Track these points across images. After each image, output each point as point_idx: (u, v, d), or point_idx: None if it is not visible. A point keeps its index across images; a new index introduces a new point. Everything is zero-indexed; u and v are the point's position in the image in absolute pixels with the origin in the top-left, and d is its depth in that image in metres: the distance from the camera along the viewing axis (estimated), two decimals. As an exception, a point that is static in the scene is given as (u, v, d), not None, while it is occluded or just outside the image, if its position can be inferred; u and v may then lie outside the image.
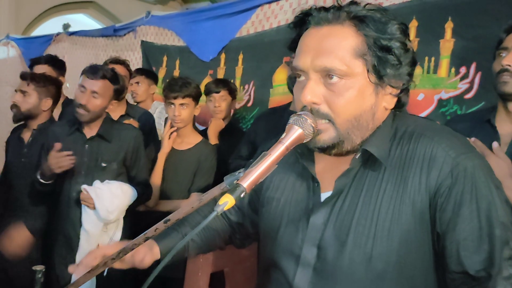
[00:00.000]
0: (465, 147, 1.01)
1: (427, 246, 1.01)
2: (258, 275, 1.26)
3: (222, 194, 0.90)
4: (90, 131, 2.47)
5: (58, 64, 3.58)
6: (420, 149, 1.01)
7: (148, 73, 3.73)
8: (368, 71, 1.01)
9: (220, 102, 2.99)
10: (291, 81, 2.25)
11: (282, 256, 1.12)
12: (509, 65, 1.63)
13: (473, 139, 1.65)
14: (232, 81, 3.69)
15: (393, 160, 1.03)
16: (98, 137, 2.46)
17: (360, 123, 1.03)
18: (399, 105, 1.09)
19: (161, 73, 4.29)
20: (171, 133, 2.66)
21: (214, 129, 2.95)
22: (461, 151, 0.99)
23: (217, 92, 2.98)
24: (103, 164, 2.43)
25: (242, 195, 0.88)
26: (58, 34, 5.68)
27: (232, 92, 3.07)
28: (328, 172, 1.10)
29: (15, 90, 2.76)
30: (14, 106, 2.71)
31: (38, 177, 2.36)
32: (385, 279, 1.00)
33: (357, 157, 1.05)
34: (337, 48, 0.99)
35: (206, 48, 3.92)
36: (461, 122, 1.84)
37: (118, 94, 2.54)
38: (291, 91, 2.28)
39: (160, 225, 1.03)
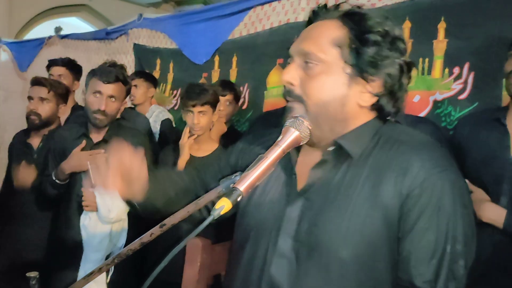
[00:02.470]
0: (443, 162, 1.02)
1: (392, 251, 1.02)
2: (229, 256, 1.28)
3: (219, 197, 0.89)
4: (97, 136, 2.44)
5: (76, 68, 3.55)
6: (399, 157, 1.03)
7: (147, 76, 3.68)
8: (345, 62, 1.04)
9: (224, 105, 2.94)
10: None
11: (260, 242, 1.13)
12: None
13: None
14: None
15: (373, 163, 1.04)
16: (103, 142, 2.42)
17: (329, 110, 1.05)
18: (384, 113, 1.09)
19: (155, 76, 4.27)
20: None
21: (217, 133, 2.87)
22: (437, 165, 1.00)
23: (223, 96, 2.92)
24: None
25: (238, 199, 0.88)
26: (50, 37, 5.65)
27: (237, 96, 3.04)
28: (306, 164, 1.12)
29: (30, 97, 2.70)
30: (33, 113, 2.67)
31: (53, 178, 2.35)
32: (352, 278, 1.01)
33: (329, 149, 1.07)
34: (319, 36, 1.06)
35: (199, 51, 3.91)
36: (469, 121, 1.87)
37: (127, 94, 2.50)
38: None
39: (156, 230, 1.03)
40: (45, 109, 2.67)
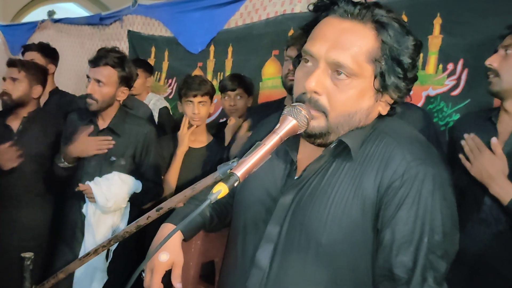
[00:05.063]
0: (425, 155, 1.04)
1: (370, 241, 1.04)
2: (226, 247, 1.29)
3: (216, 183, 0.90)
4: (103, 123, 2.45)
5: (49, 52, 3.52)
6: (382, 148, 1.05)
7: (146, 65, 3.66)
8: (375, 76, 1.03)
9: (235, 100, 2.88)
10: (287, 79, 2.24)
11: (250, 229, 1.16)
12: (491, 65, 1.69)
13: (472, 135, 1.69)
14: (221, 74, 3.67)
15: (360, 155, 1.06)
16: (108, 130, 2.43)
17: (353, 120, 1.05)
18: (391, 113, 1.11)
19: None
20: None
21: (233, 129, 2.77)
22: (418, 157, 1.02)
23: (233, 90, 2.87)
24: (113, 158, 2.40)
25: (235, 184, 0.89)
26: (42, 21, 5.59)
27: (248, 89, 2.96)
28: (307, 159, 1.13)
29: (3, 78, 2.71)
30: (4, 94, 2.65)
31: (62, 160, 2.38)
32: (332, 266, 1.04)
33: (332, 146, 1.08)
34: (354, 46, 1.00)
35: (194, 40, 3.90)
36: (467, 119, 1.90)
37: (127, 81, 2.46)
38: (286, 88, 2.28)
39: (153, 213, 1.04)
40: (16, 90, 2.64)
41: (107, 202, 2.27)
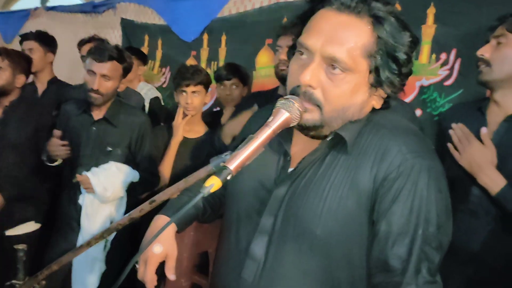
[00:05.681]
0: (421, 147, 1.05)
1: (365, 233, 1.05)
2: (219, 238, 1.30)
3: (209, 175, 0.90)
4: (98, 113, 2.45)
5: (47, 40, 3.48)
6: (378, 141, 1.05)
7: (137, 53, 3.62)
8: (370, 72, 1.03)
9: (231, 90, 2.89)
10: (278, 69, 2.24)
11: (244, 221, 1.17)
12: (482, 55, 1.69)
13: (460, 124, 1.69)
14: (215, 63, 3.66)
15: (353, 147, 1.07)
16: (104, 120, 2.44)
17: (346, 114, 1.06)
18: (385, 107, 1.12)
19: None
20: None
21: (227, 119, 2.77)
22: (414, 150, 1.03)
23: (228, 79, 2.88)
24: (109, 148, 2.41)
25: (228, 178, 0.89)
26: (36, 9, 5.53)
27: (244, 79, 2.95)
28: (301, 151, 1.14)
29: None
30: None
31: (44, 159, 2.38)
32: (327, 257, 1.06)
33: (328, 139, 1.08)
34: (349, 41, 1.00)
35: (187, 28, 3.86)
36: (457, 109, 1.91)
37: (127, 72, 2.49)
38: (278, 77, 2.28)
39: (146, 206, 1.04)
40: None
41: (106, 191, 2.27)
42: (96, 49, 2.38)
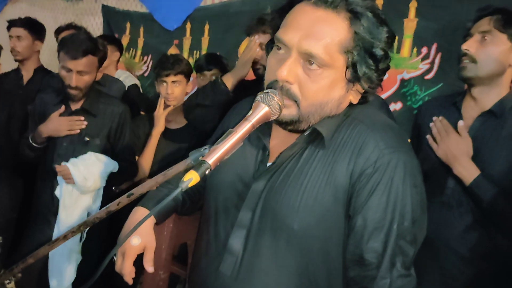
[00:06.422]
0: (397, 142, 1.06)
1: (342, 227, 1.07)
2: (198, 231, 1.30)
3: (188, 169, 0.90)
4: (76, 104, 2.40)
5: (36, 28, 3.38)
6: (355, 136, 1.06)
7: (110, 39, 3.58)
8: (347, 67, 1.03)
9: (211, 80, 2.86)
10: (255, 62, 2.23)
11: (222, 214, 1.17)
12: (468, 50, 1.69)
13: (440, 117, 1.72)
14: (198, 52, 3.62)
15: (330, 142, 1.07)
16: (82, 110, 2.39)
17: (324, 110, 1.06)
18: (362, 101, 1.12)
19: (125, 41, 4.14)
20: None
21: None
22: (391, 145, 1.04)
23: (209, 70, 2.81)
24: (86, 139, 2.37)
25: (207, 172, 0.89)
26: (14, -7, 5.40)
27: (224, 69, 2.88)
28: (279, 145, 1.14)
29: None
30: None
31: (30, 140, 2.33)
32: (304, 251, 1.07)
33: (305, 134, 1.09)
34: (326, 37, 1.00)
35: (170, 16, 3.82)
36: (433, 103, 1.92)
37: (102, 61, 2.43)
38: (255, 73, 2.27)
39: (123, 199, 1.03)
40: None
41: (86, 181, 2.25)
42: (69, 44, 2.28)
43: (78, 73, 2.28)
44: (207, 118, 2.20)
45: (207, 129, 2.17)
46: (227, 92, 2.15)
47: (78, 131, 2.34)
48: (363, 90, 1.08)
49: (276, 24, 1.10)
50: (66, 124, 2.33)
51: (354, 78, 1.05)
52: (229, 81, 2.17)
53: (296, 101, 1.03)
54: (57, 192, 2.31)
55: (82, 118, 2.35)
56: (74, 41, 2.29)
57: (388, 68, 1.08)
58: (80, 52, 2.24)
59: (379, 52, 1.03)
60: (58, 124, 2.32)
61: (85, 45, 2.27)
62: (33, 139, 2.34)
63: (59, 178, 2.31)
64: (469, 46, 1.69)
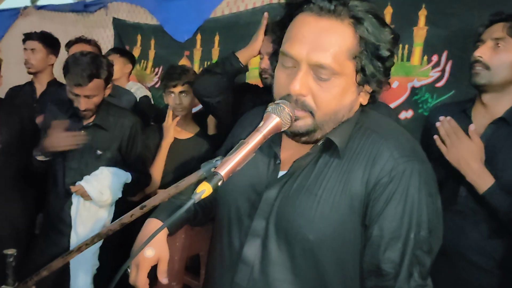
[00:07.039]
0: (411, 151, 1.06)
1: (358, 237, 1.06)
2: (211, 241, 1.30)
3: (200, 181, 0.90)
4: (87, 119, 2.40)
5: (51, 42, 3.43)
6: (369, 145, 1.06)
7: (123, 52, 3.63)
8: (356, 72, 1.03)
9: None
10: (262, 77, 2.23)
11: (235, 224, 1.17)
12: (481, 57, 1.67)
13: (448, 117, 1.68)
14: (208, 63, 3.65)
15: (345, 152, 1.07)
16: (94, 126, 2.40)
17: (337, 116, 1.07)
18: (371, 101, 1.12)
19: (136, 53, 4.18)
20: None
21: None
22: (405, 154, 1.04)
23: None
24: (99, 152, 2.37)
25: (219, 183, 0.89)
26: (25, 7, 5.48)
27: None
28: (291, 154, 1.14)
29: None
30: None
31: (39, 153, 2.33)
32: (319, 261, 1.06)
33: (319, 144, 1.09)
34: (334, 46, 1.00)
35: (180, 28, 3.85)
36: (441, 111, 1.86)
37: (109, 80, 2.41)
38: (263, 82, 2.27)
39: (136, 211, 1.03)
40: None
41: (102, 195, 2.27)
42: (73, 69, 2.23)
43: (86, 97, 2.27)
44: (215, 87, 2.16)
45: (213, 100, 2.16)
46: (239, 63, 2.16)
47: (79, 145, 2.31)
48: (372, 90, 1.09)
49: (276, 35, 1.11)
50: (66, 139, 2.29)
51: (364, 81, 1.05)
52: (241, 54, 2.18)
53: (311, 112, 1.03)
54: (73, 208, 2.32)
55: (83, 132, 2.34)
56: (77, 66, 2.24)
57: (392, 64, 1.08)
58: (85, 78, 2.21)
59: (385, 53, 1.03)
60: (59, 139, 2.28)
61: (89, 70, 2.23)
62: (42, 152, 2.33)
63: (73, 194, 2.32)
64: (482, 53, 1.67)
